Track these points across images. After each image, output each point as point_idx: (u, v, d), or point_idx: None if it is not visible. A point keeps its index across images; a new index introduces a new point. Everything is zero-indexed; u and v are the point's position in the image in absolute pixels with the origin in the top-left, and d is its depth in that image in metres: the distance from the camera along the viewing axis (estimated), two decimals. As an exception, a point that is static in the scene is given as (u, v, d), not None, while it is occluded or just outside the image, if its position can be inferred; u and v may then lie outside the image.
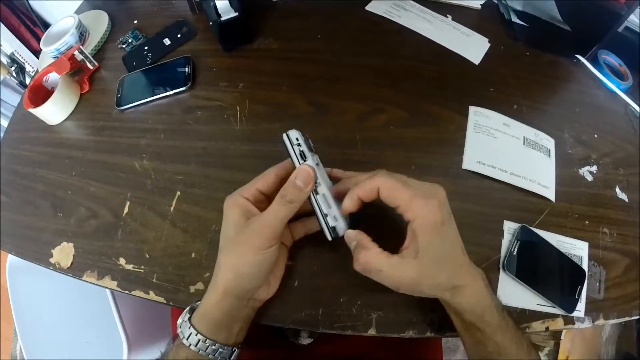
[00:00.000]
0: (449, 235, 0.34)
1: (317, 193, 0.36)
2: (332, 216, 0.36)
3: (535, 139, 0.52)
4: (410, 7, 0.66)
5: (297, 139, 0.37)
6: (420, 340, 0.61)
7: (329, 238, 0.36)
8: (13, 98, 1.13)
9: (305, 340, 0.64)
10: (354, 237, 0.36)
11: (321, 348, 0.63)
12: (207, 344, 0.34)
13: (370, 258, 0.34)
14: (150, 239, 0.46)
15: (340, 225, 0.36)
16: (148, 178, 0.49)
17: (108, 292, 0.69)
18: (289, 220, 0.35)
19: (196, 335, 0.34)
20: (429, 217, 0.33)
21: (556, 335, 1.08)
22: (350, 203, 0.35)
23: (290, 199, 0.33)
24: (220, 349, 0.35)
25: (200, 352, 0.34)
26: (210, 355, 0.35)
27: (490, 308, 0.35)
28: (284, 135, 0.37)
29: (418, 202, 0.32)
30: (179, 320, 0.37)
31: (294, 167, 0.36)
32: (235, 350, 0.36)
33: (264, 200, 0.38)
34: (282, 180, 0.37)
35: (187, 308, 0.38)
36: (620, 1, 0.54)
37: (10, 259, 0.74)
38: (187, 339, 0.34)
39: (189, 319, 0.36)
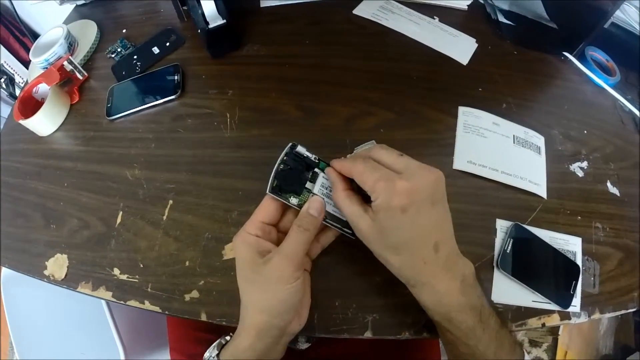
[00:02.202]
0: (411, 225, 0.33)
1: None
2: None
3: (525, 137, 0.52)
4: (397, 10, 0.66)
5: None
6: (418, 342, 0.61)
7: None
8: (2, 109, 1.12)
9: (303, 345, 0.64)
10: (331, 173, 0.37)
11: (319, 352, 0.63)
12: None
13: (336, 197, 0.35)
14: (143, 248, 0.46)
15: None
16: (140, 187, 0.49)
17: (103, 302, 0.68)
18: None
19: None
20: (386, 200, 0.32)
21: (554, 331, 1.08)
22: (332, 174, 0.37)
23: (307, 227, 0.34)
24: None
25: None
26: None
27: (463, 311, 0.34)
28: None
29: (380, 185, 0.32)
30: (206, 355, 0.36)
31: None
32: None
33: (272, 230, 0.37)
34: (281, 204, 0.37)
35: (215, 343, 0.37)
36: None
37: (5, 270, 0.74)
38: None
39: (217, 355, 0.35)
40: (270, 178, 0.36)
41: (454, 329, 0.34)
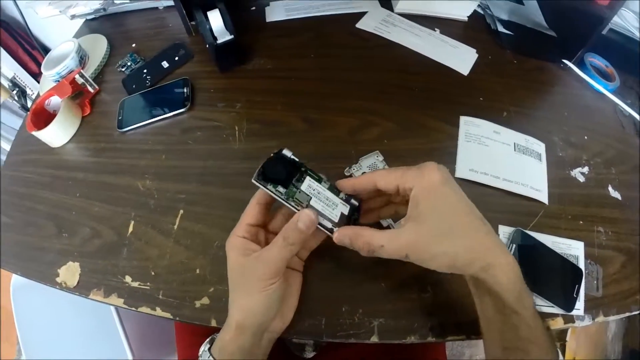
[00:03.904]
0: (456, 196, 0.33)
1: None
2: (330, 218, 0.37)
3: (526, 145, 0.54)
4: (399, 23, 0.68)
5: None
6: (424, 347, 0.61)
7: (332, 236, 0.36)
8: (12, 120, 1.14)
9: (310, 354, 0.65)
10: (344, 234, 0.35)
11: (324, 358, 0.63)
12: None
13: (369, 240, 0.33)
14: (154, 256, 0.47)
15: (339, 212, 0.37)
16: (151, 197, 0.51)
17: (112, 309, 0.69)
18: None
19: None
20: (426, 178, 0.33)
21: (561, 337, 1.08)
22: (345, 184, 0.37)
23: (292, 242, 0.34)
24: None
25: None
26: None
27: (526, 289, 0.33)
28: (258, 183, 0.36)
29: (411, 172, 0.33)
30: (201, 349, 0.37)
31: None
32: None
33: (259, 231, 0.39)
34: (266, 205, 0.38)
35: (209, 339, 0.38)
36: (603, 3, 0.55)
37: (15, 278, 0.75)
38: None
39: (209, 349, 0.37)
40: (258, 168, 0.36)
41: (522, 308, 0.32)
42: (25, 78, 1.03)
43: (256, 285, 0.34)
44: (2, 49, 0.96)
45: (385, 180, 0.35)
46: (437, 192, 0.32)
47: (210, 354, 0.36)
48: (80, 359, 0.71)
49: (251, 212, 0.38)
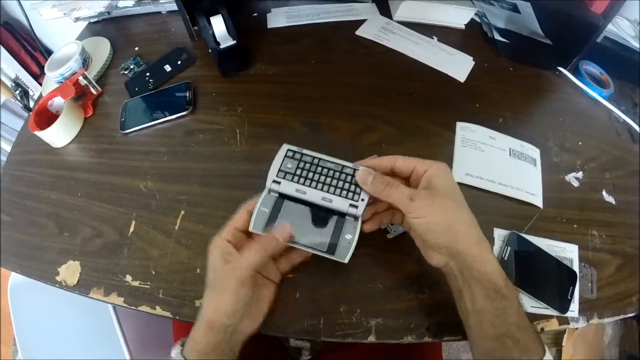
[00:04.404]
0: (459, 191, 0.38)
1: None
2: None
3: (521, 150, 0.55)
4: (398, 30, 0.69)
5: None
6: (420, 351, 0.61)
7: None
8: (12, 121, 1.15)
9: (306, 357, 0.65)
10: (367, 174, 0.39)
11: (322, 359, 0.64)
12: None
13: (401, 190, 0.37)
14: (155, 256, 0.47)
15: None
16: (152, 198, 0.51)
17: (111, 310, 0.69)
18: (275, 257, 0.41)
19: None
20: (441, 166, 0.38)
21: (558, 342, 1.08)
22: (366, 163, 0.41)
23: (265, 247, 0.37)
24: None
25: None
26: None
27: (510, 281, 0.36)
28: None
29: (428, 160, 0.38)
30: (173, 352, 0.39)
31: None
32: None
33: (244, 237, 0.40)
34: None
35: (179, 342, 0.39)
36: (597, 11, 0.57)
37: (12, 279, 0.75)
38: None
39: (181, 352, 0.38)
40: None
41: (509, 292, 0.35)
42: (26, 79, 1.04)
43: (228, 289, 0.37)
44: (5, 50, 0.97)
45: (404, 161, 0.39)
46: (448, 178, 0.38)
47: (182, 356, 0.37)
48: (77, 360, 0.71)
49: (240, 218, 0.40)
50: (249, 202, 0.41)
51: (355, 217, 0.39)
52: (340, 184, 0.39)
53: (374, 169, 0.40)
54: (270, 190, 0.40)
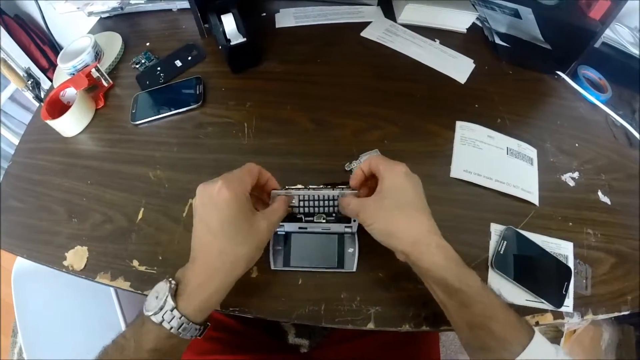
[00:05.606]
0: (412, 188, 0.39)
1: None
2: None
3: (518, 149, 0.56)
4: (402, 33, 0.72)
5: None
6: (418, 344, 0.62)
7: None
8: (19, 112, 1.17)
9: (306, 348, 0.66)
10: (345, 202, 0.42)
11: (320, 354, 0.65)
12: (190, 326, 0.35)
13: (352, 205, 0.41)
14: (163, 242, 0.49)
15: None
16: (162, 187, 0.53)
17: (114, 298, 0.70)
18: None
19: (180, 318, 0.34)
20: (394, 167, 0.40)
21: (553, 346, 1.08)
22: (355, 178, 0.43)
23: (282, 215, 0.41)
24: (196, 330, 0.36)
25: (173, 330, 0.34)
26: (183, 334, 0.35)
27: (468, 271, 0.37)
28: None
29: (389, 162, 0.40)
30: (158, 303, 0.34)
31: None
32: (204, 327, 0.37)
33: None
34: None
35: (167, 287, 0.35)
36: (595, 17, 0.58)
37: (16, 267, 0.75)
38: (168, 322, 0.34)
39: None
40: None
41: (465, 285, 0.35)
42: (36, 72, 1.05)
43: (262, 243, 0.38)
44: (15, 43, 0.99)
45: (373, 164, 0.41)
46: (397, 179, 0.39)
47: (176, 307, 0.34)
48: (80, 350, 0.71)
49: (253, 176, 0.41)
50: (259, 168, 0.42)
51: (352, 234, 0.46)
52: (331, 210, 0.44)
53: (357, 176, 0.42)
54: (277, 232, 0.47)
